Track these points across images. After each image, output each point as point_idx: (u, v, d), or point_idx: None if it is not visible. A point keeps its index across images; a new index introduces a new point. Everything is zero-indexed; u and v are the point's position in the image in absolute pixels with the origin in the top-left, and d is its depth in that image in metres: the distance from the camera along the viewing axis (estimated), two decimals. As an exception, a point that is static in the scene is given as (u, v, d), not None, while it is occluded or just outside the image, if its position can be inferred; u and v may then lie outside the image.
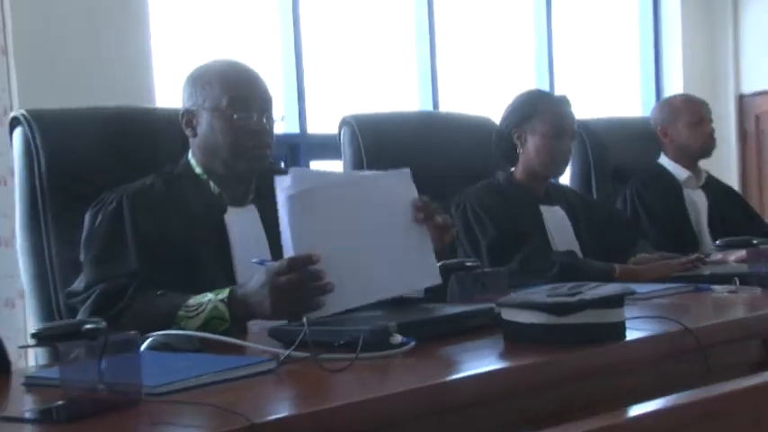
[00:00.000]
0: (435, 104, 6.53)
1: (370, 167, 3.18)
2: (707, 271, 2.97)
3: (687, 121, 3.92)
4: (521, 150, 3.25)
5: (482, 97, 6.52)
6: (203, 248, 2.32)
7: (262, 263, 2.09)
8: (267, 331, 1.99)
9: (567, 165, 3.39)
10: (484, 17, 7.09)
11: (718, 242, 3.17)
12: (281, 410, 1.48)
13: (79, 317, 2.14)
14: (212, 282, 2.22)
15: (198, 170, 2.41)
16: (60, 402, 1.40)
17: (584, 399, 1.78)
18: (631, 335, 1.92)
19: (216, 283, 2.20)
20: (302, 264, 1.94)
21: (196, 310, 2.07)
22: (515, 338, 1.90)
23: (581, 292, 1.91)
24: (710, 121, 3.99)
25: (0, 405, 1.54)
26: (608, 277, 2.95)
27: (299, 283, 1.94)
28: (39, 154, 2.50)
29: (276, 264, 2.00)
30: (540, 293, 1.97)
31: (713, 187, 4.06)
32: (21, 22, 4.57)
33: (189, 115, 2.41)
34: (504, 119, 3.32)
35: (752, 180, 7.10)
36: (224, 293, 2.06)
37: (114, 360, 1.43)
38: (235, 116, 2.32)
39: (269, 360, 1.71)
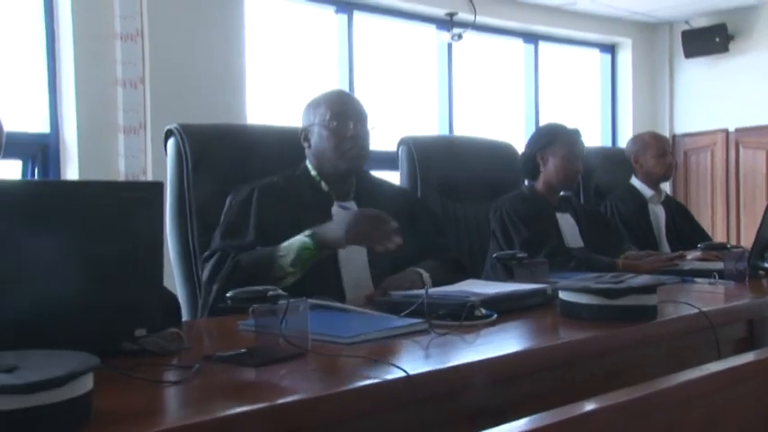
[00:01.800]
0: (451, 128, 6.59)
1: (422, 177, 3.21)
2: (687, 266, 2.98)
3: (653, 153, 3.95)
4: (542, 169, 3.26)
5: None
6: None
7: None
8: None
9: (577, 181, 3.40)
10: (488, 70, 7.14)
11: (699, 245, 3.16)
12: (428, 365, 1.43)
13: (204, 275, 2.18)
14: (319, 260, 2.23)
15: (313, 173, 2.44)
16: (246, 350, 1.41)
17: (626, 365, 1.78)
18: (660, 316, 1.90)
19: (322, 261, 2.20)
20: (371, 211, 2.11)
21: (287, 248, 2.12)
22: (570, 315, 1.89)
23: (623, 281, 1.92)
24: (671, 154, 4.04)
25: (193, 350, 1.51)
26: (612, 269, 2.95)
27: (368, 219, 2.08)
28: (187, 158, 2.51)
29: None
30: (589, 280, 1.97)
31: (670, 204, 4.12)
32: (155, 60, 4.65)
33: (305, 132, 2.47)
34: (530, 144, 3.34)
35: (680, 199, 7.13)
36: (307, 231, 2.14)
37: (290, 319, 1.43)
38: (335, 125, 2.36)
39: (422, 321, 1.68)
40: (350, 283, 2.31)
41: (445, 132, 6.45)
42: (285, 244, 2.13)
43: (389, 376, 1.26)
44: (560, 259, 2.92)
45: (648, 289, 1.89)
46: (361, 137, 2.39)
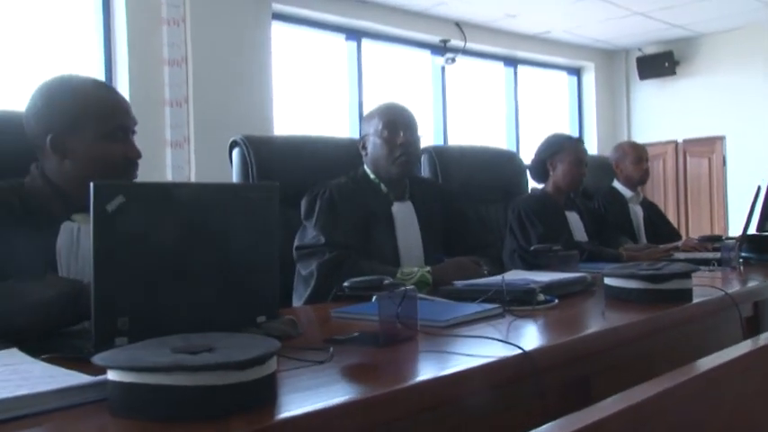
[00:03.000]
0: (445, 139, 6.56)
1: (443, 181, 3.16)
2: (681, 256, 2.96)
3: (631, 160, 3.91)
4: (552, 173, 3.24)
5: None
6: (378, 229, 2.29)
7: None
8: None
9: (582, 184, 3.38)
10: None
11: (696, 237, 3.15)
12: (540, 341, 1.39)
13: (313, 264, 2.12)
14: (382, 252, 2.18)
15: (372, 176, 2.38)
16: (358, 333, 1.36)
17: (669, 343, 1.74)
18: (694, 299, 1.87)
19: (385, 252, 2.16)
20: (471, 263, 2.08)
21: (409, 275, 2.04)
22: (616, 298, 1.85)
23: (660, 268, 1.88)
24: (647, 161, 4.00)
25: (306, 334, 1.46)
26: (618, 259, 2.92)
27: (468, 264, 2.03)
28: (252, 165, 2.44)
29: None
30: (630, 268, 1.93)
31: (646, 204, 4.09)
32: (197, 82, 4.59)
33: (363, 141, 2.41)
34: (540, 152, 3.31)
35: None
36: (427, 268, 2.09)
37: (403, 305, 1.38)
38: (387, 134, 2.31)
39: (497, 306, 1.64)
40: (405, 252, 2.27)
41: (440, 142, 6.43)
42: (407, 270, 2.10)
43: (510, 353, 1.22)
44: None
45: (686, 274, 1.86)
46: (410, 144, 2.33)
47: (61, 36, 4.55)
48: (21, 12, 4.44)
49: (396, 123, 2.34)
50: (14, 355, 1.14)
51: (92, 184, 1.14)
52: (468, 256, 2.20)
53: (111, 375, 0.89)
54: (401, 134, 2.32)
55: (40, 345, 1.20)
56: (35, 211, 1.55)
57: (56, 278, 1.46)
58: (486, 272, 2.11)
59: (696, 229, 7.65)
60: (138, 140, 1.72)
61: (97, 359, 0.90)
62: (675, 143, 8.11)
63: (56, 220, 1.55)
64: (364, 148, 2.40)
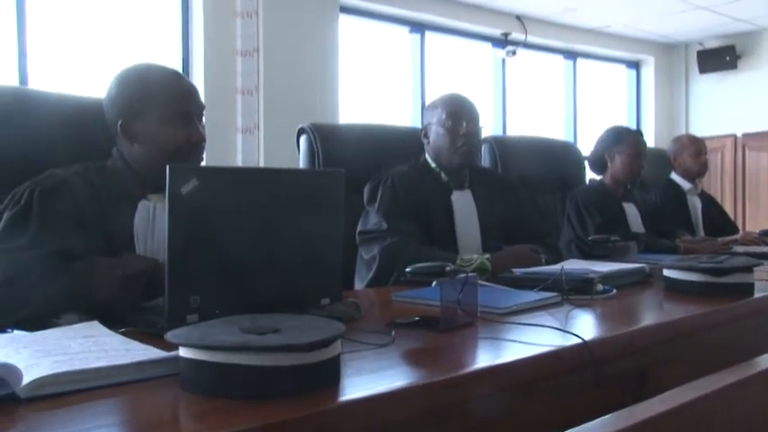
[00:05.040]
0: (504, 130, 6.46)
1: (502, 170, 3.09)
2: (740, 249, 2.84)
3: (690, 153, 3.76)
4: (610, 165, 3.13)
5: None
6: (437, 216, 2.25)
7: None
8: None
9: (640, 176, 3.26)
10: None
11: (758, 231, 3.02)
12: (599, 331, 1.35)
13: (376, 249, 2.09)
14: (441, 239, 2.15)
15: (433, 165, 2.34)
16: (419, 318, 1.34)
17: (730, 337, 1.66)
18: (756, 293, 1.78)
19: (443, 240, 2.12)
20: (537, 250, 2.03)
21: (469, 261, 2.00)
22: (676, 290, 1.78)
23: (721, 261, 1.80)
24: (705, 153, 3.83)
25: (372, 316, 1.44)
26: (674, 251, 2.82)
27: (527, 252, 1.97)
28: (318, 152, 2.42)
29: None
30: (690, 260, 1.85)
31: (704, 196, 3.93)
32: (268, 72, 4.61)
33: (425, 130, 2.36)
34: (599, 143, 3.20)
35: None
36: (486, 255, 2.03)
37: (464, 291, 1.35)
38: (450, 124, 2.26)
39: (555, 295, 1.60)
40: (463, 240, 2.23)
41: (499, 134, 6.33)
42: (466, 257, 2.05)
43: (568, 342, 1.18)
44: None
45: (748, 268, 1.77)
46: (472, 134, 2.28)
47: (145, 29, 4.65)
48: (110, 7, 4.56)
49: (459, 114, 2.29)
50: (95, 328, 1.16)
51: (167, 167, 1.14)
52: (526, 245, 2.15)
53: (183, 352, 0.89)
54: (464, 124, 2.27)
55: (117, 319, 1.22)
56: (115, 191, 1.58)
57: (133, 256, 1.48)
58: (543, 260, 2.05)
59: (753, 223, 7.36)
60: (211, 127, 1.71)
61: (170, 336, 0.90)
62: (734, 137, 7.80)
63: (134, 200, 1.57)
64: (426, 136, 2.36)
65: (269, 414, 0.79)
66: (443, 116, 2.29)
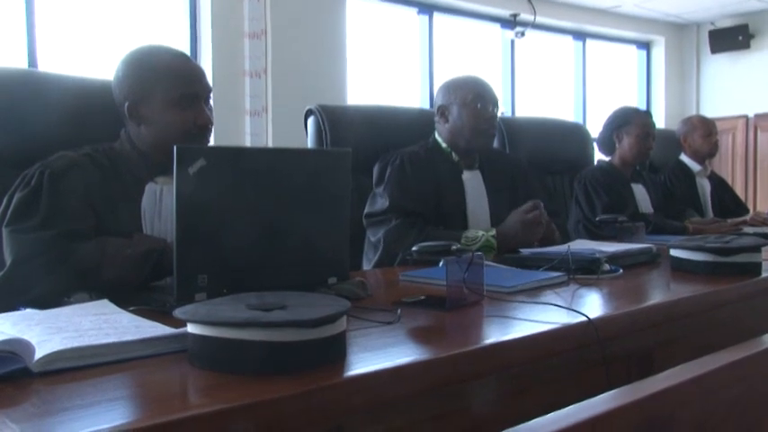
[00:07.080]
0: (513, 111, 6.44)
1: (511, 151, 3.08)
2: (750, 230, 2.83)
3: (700, 134, 3.74)
4: (618, 146, 3.13)
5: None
6: (449, 195, 2.26)
7: None
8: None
9: (649, 157, 3.25)
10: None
11: (765, 212, 3.00)
12: (604, 310, 1.35)
13: (381, 232, 2.10)
14: (452, 218, 2.15)
15: (444, 145, 2.34)
16: (425, 297, 1.34)
17: (736, 316, 1.66)
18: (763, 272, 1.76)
19: (454, 219, 2.12)
20: (538, 206, 1.93)
21: (474, 239, 1.99)
22: (683, 270, 1.77)
23: (729, 241, 1.79)
24: (716, 134, 3.80)
25: (379, 296, 1.45)
26: (683, 232, 2.81)
27: (540, 218, 1.93)
28: (326, 134, 2.42)
29: (524, 205, 1.98)
30: (697, 240, 1.85)
31: (714, 177, 3.90)
32: (276, 54, 4.60)
33: (443, 109, 2.34)
34: (607, 124, 3.19)
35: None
36: (492, 231, 2.00)
37: (470, 270, 1.35)
38: (478, 106, 2.26)
39: (562, 274, 1.60)
40: (473, 219, 2.24)
41: (508, 114, 6.30)
42: (471, 234, 2.05)
43: (574, 320, 1.18)
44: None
45: (755, 248, 1.77)
46: (495, 118, 2.30)
47: (153, 11, 4.64)
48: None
49: (486, 97, 2.29)
50: (105, 306, 1.17)
51: (175, 148, 1.15)
52: (523, 208, 2.11)
53: (191, 328, 0.90)
54: (490, 108, 2.28)
55: (127, 297, 1.23)
56: (123, 173, 1.59)
57: (143, 236, 1.49)
58: (544, 220, 2.05)
59: (765, 204, 7.32)
60: (219, 109, 1.72)
61: (178, 313, 0.91)
62: (746, 118, 7.73)
63: (141, 182, 1.58)
64: (444, 116, 2.33)
65: (275, 389, 0.80)
66: (470, 98, 2.27)
